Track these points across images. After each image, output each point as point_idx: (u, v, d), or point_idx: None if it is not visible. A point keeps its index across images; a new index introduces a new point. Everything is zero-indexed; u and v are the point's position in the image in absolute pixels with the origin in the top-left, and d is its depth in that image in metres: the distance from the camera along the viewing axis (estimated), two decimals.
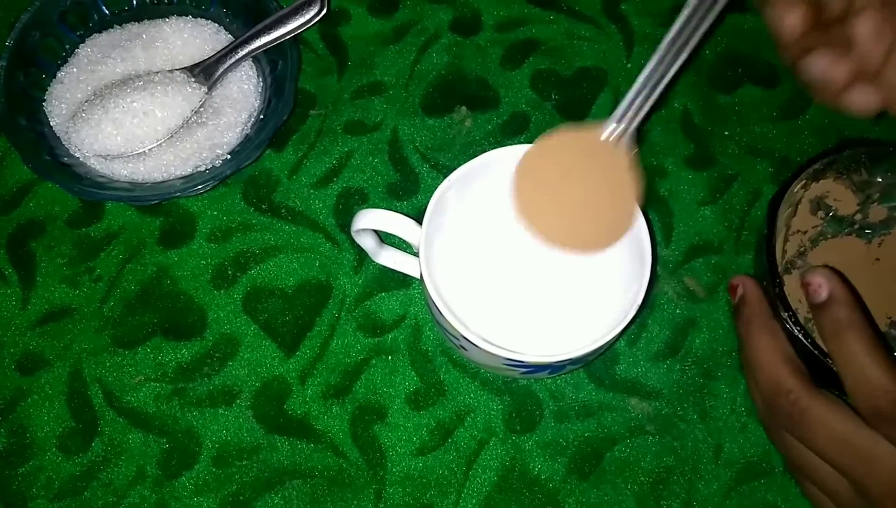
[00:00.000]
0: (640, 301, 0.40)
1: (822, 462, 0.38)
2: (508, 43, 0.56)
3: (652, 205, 0.52)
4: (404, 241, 0.44)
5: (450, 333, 0.42)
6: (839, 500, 0.38)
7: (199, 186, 0.46)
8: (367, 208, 0.50)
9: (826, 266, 0.39)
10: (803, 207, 0.48)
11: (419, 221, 0.43)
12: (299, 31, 0.50)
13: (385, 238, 0.48)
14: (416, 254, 0.47)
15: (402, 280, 0.49)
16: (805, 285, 0.38)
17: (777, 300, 0.43)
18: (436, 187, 0.51)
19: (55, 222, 0.51)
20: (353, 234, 0.45)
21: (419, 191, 0.52)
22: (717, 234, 0.51)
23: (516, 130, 0.54)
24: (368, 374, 0.48)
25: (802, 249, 0.48)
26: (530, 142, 0.52)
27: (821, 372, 0.42)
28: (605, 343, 0.40)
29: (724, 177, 0.53)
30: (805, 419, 0.38)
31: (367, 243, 0.46)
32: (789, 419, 0.39)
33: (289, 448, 0.46)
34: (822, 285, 0.38)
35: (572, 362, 0.40)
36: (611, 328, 0.40)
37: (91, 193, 0.46)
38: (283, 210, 0.51)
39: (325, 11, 0.50)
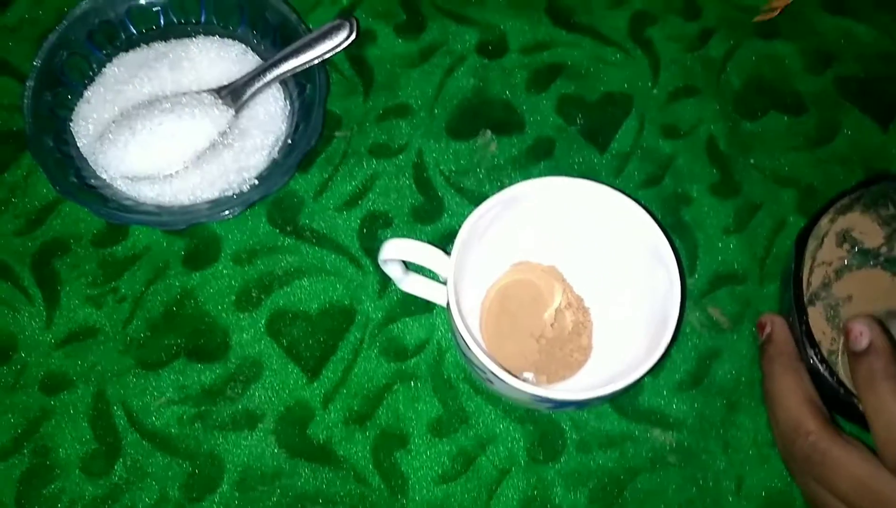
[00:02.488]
0: (668, 337, 0.40)
1: (841, 505, 0.38)
2: (534, 66, 0.56)
3: (677, 233, 0.51)
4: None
5: (476, 366, 0.41)
6: None
7: (227, 212, 0.46)
8: (393, 235, 0.51)
9: (869, 316, 0.39)
10: (829, 239, 0.48)
11: (443, 247, 0.43)
12: (328, 55, 0.49)
13: (409, 263, 0.48)
14: (440, 281, 0.47)
15: (425, 305, 0.49)
16: (846, 332, 0.39)
17: (803, 336, 0.43)
18: (460, 211, 0.51)
19: (80, 240, 0.50)
20: (380, 263, 0.45)
21: (443, 215, 0.52)
22: (742, 263, 0.51)
23: (541, 154, 0.53)
24: (391, 400, 0.48)
25: (827, 280, 0.48)
26: (555, 167, 0.53)
27: (844, 407, 0.42)
28: (634, 381, 0.40)
29: (749, 205, 0.52)
30: (825, 461, 0.38)
31: (394, 271, 0.46)
32: (808, 460, 0.39)
33: (311, 474, 0.46)
34: (864, 334, 0.38)
35: (600, 398, 0.40)
36: (638, 363, 0.40)
37: (118, 216, 0.46)
38: (307, 232, 0.51)
39: (354, 36, 0.50)
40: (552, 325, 0.47)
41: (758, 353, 0.47)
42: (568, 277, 0.48)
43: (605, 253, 0.46)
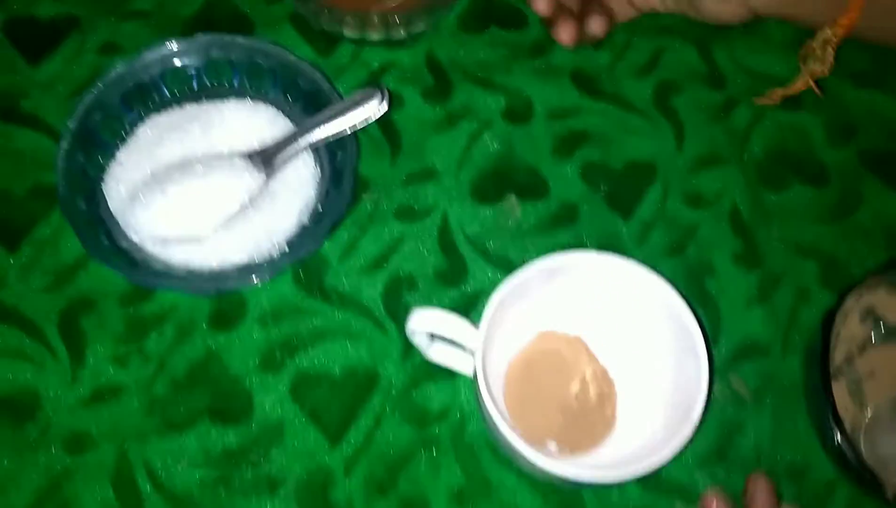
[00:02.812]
0: (694, 423, 0.41)
1: None
2: (559, 132, 0.56)
3: (700, 302, 0.52)
4: None
5: (502, 441, 0.41)
6: None
7: (255, 278, 0.47)
8: (417, 298, 0.51)
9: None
10: (853, 315, 0.48)
11: (466, 311, 0.43)
12: (360, 126, 0.50)
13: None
14: (465, 348, 0.48)
15: (448, 370, 0.49)
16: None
17: (830, 416, 0.43)
18: (483, 275, 0.52)
19: (107, 299, 0.51)
20: (407, 332, 0.45)
21: (468, 279, 0.52)
22: (765, 335, 0.51)
23: (565, 220, 0.54)
24: (412, 467, 0.48)
25: (850, 356, 0.48)
26: (578, 233, 0.53)
27: (868, 484, 0.43)
28: (661, 465, 0.40)
29: (771, 276, 0.53)
30: None
31: (420, 339, 0.46)
32: None
33: None
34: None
35: (623, 481, 0.40)
36: (662, 438, 0.41)
37: (147, 280, 0.46)
38: (333, 294, 0.51)
39: (386, 107, 0.50)
40: (577, 396, 0.47)
41: None
42: (593, 347, 0.48)
43: (631, 326, 0.47)
